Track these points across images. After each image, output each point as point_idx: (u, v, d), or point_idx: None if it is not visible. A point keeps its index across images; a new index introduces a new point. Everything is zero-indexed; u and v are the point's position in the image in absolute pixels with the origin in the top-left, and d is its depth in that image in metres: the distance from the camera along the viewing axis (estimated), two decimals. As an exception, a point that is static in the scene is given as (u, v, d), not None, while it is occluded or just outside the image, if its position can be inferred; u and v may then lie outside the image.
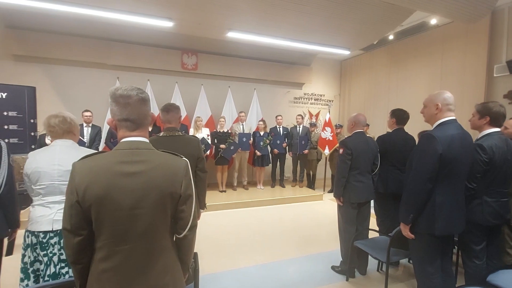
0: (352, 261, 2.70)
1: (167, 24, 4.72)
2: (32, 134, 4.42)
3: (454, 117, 1.81)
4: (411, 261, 2.95)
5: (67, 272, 1.61)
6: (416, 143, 2.87)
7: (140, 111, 1.03)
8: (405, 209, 1.84)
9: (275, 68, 7.02)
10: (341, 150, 2.67)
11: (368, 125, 5.66)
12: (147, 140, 1.06)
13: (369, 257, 2.65)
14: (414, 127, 3.19)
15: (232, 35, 5.20)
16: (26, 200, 1.80)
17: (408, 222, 1.83)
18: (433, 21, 5.25)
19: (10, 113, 4.25)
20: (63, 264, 1.61)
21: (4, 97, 4.20)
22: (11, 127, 4.26)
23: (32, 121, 4.40)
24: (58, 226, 1.56)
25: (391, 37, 6.14)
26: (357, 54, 7.41)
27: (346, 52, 6.26)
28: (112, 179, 0.94)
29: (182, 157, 1.10)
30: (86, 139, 4.75)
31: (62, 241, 1.41)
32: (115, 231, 0.95)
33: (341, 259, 2.83)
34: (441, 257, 1.90)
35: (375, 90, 6.98)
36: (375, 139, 2.97)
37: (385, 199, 2.92)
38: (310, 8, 4.20)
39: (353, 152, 2.60)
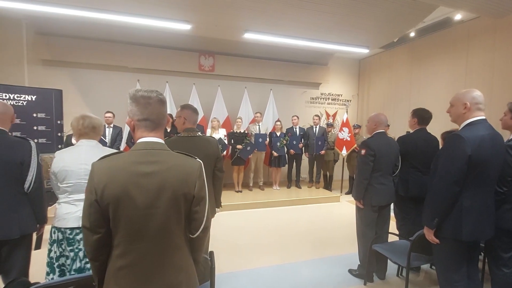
0: (371, 265, 2.62)
1: (184, 27, 4.82)
2: (59, 134, 4.64)
3: (484, 117, 1.72)
4: (433, 267, 2.84)
5: (91, 267, 1.68)
6: (439, 144, 2.77)
7: (159, 112, 1.07)
8: (429, 213, 1.77)
9: (292, 68, 6.98)
10: (363, 151, 2.57)
11: (388, 125, 5.50)
12: (162, 141, 1.08)
13: (389, 261, 2.57)
14: (437, 128, 3.07)
15: (249, 36, 5.22)
16: (52, 197, 1.89)
17: (433, 226, 1.76)
18: (458, 16, 5.02)
19: (39, 115, 4.50)
20: (88, 259, 1.68)
21: (33, 99, 4.45)
22: (39, 128, 4.51)
23: (59, 122, 4.63)
24: (84, 222, 1.63)
25: (412, 34, 5.92)
26: (377, 53, 7.21)
27: (365, 51, 6.13)
28: (128, 179, 0.97)
29: (196, 158, 1.11)
30: (107, 139, 4.92)
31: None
32: (130, 230, 0.98)
33: (359, 263, 2.77)
34: (467, 263, 1.82)
35: (395, 89, 6.77)
36: (395, 139, 2.88)
37: (405, 202, 2.82)
38: (327, 6, 4.14)
39: (376, 154, 2.51)
